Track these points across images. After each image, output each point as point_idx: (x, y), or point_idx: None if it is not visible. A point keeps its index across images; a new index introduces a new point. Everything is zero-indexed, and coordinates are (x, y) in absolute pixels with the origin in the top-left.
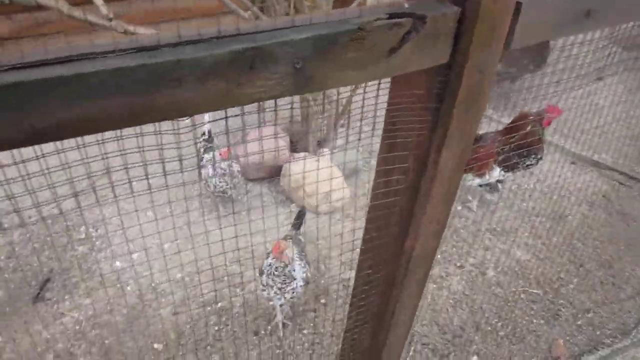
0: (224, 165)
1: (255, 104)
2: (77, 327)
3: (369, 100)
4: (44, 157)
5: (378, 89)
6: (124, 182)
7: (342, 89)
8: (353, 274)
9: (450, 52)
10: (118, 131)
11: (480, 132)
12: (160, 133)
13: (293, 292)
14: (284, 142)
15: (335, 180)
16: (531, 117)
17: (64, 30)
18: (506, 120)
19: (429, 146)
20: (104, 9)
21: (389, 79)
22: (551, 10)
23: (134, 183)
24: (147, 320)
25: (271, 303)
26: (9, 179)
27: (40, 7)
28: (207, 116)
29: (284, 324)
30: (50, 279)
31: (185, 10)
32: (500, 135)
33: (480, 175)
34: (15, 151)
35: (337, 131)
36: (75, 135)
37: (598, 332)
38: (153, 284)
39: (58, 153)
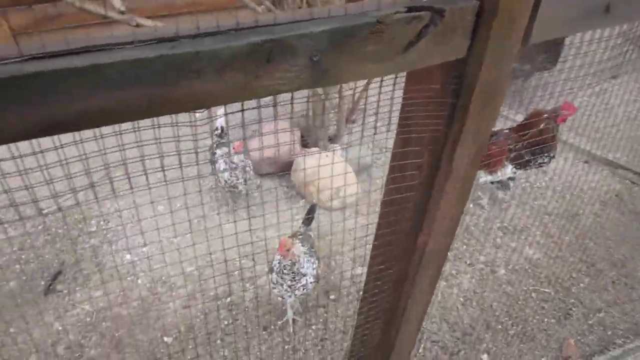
0: (236, 159)
1: (265, 98)
2: (88, 319)
3: (381, 95)
4: (62, 147)
5: (394, 84)
6: (136, 175)
7: (352, 84)
8: (363, 270)
9: (467, 46)
10: (124, 124)
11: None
12: (177, 125)
13: (303, 289)
14: (294, 137)
15: (346, 176)
16: (546, 115)
17: (77, 23)
18: (518, 118)
19: (444, 142)
20: (116, 3)
21: (403, 74)
22: (570, 4)
23: (144, 176)
24: (157, 313)
25: (280, 299)
26: (27, 169)
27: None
28: (220, 111)
29: (293, 320)
30: (61, 271)
31: (198, 4)
32: (513, 132)
33: (492, 172)
34: (34, 141)
35: (348, 127)
36: (93, 126)
37: (609, 332)
38: (163, 277)
39: (61, 147)
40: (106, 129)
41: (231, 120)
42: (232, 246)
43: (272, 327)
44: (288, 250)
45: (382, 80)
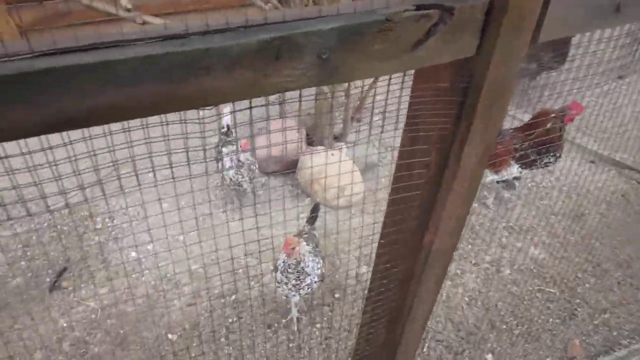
0: (242, 157)
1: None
2: (93, 316)
3: (387, 94)
4: (71, 143)
5: (402, 82)
6: (143, 172)
7: (358, 83)
8: (367, 268)
9: (477, 45)
10: (126, 122)
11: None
12: (185, 122)
13: (308, 288)
14: (300, 136)
15: (351, 175)
16: (553, 114)
17: (82, 20)
18: (524, 117)
19: (452, 140)
20: (123, 0)
21: (411, 72)
22: (580, 3)
23: (149, 174)
24: (162, 310)
25: (285, 298)
26: (37, 165)
27: None
28: (226, 109)
29: (298, 318)
30: (67, 268)
31: (204, 2)
32: (519, 131)
33: (498, 172)
34: (43, 138)
35: (353, 125)
36: (103, 123)
37: (615, 333)
38: (168, 275)
39: (70, 144)
40: (115, 126)
41: (237, 118)
42: (238, 244)
43: (277, 325)
44: (293, 248)
45: (390, 78)
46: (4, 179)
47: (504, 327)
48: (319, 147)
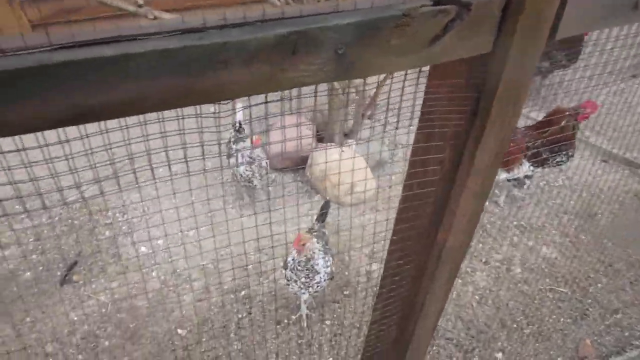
0: (253, 154)
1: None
2: (103, 310)
3: (399, 91)
4: (87, 137)
5: (418, 77)
6: (156, 166)
7: (369, 79)
8: (378, 266)
9: (493, 41)
10: (142, 117)
11: None
12: (200, 116)
13: (317, 286)
14: (310, 132)
15: (361, 172)
16: (567, 112)
17: (94, 15)
18: (535, 115)
19: (467, 137)
20: None
21: (426, 68)
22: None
23: (160, 169)
24: (171, 305)
25: (294, 294)
26: (52, 158)
27: None
28: (238, 104)
29: (307, 315)
30: (77, 262)
31: None
32: (531, 129)
33: (509, 170)
34: (60, 130)
35: (363, 122)
36: (119, 116)
37: (626, 333)
38: (178, 270)
39: (86, 137)
40: (130, 119)
41: (248, 114)
42: (248, 240)
43: (287, 321)
44: (304, 244)
45: (406, 74)
46: (21, 171)
47: (515, 326)
48: (329, 144)
